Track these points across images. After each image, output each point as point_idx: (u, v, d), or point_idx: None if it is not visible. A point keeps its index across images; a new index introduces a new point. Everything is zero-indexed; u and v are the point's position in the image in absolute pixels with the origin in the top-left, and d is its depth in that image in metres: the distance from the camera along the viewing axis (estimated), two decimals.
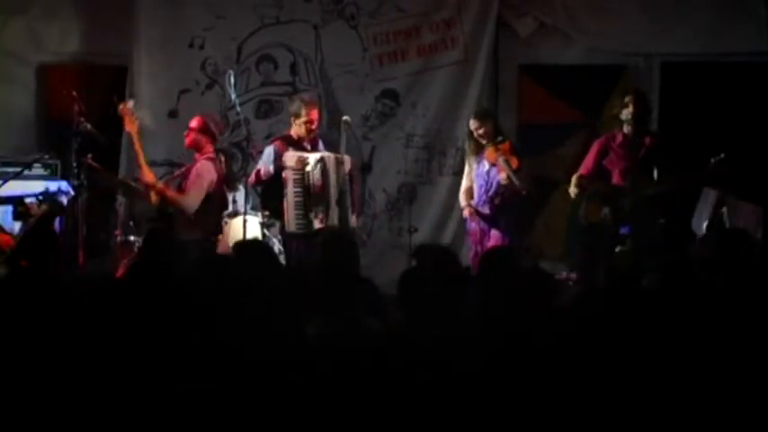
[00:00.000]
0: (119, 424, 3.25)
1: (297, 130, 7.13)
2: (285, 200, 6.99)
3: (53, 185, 7.26)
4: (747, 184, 7.70)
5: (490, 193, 7.24)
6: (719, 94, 8.22)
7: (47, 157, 8.14)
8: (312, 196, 6.97)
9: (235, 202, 7.62)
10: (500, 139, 7.22)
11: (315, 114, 7.15)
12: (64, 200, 7.66)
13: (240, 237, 7.06)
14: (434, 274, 4.10)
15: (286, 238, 7.15)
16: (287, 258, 7.02)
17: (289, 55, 8.77)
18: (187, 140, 7.14)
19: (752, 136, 8.05)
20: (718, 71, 8.29)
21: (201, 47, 8.74)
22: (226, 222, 7.47)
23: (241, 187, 7.64)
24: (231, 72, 7.58)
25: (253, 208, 7.61)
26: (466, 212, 7.42)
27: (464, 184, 7.51)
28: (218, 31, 8.73)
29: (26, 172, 7.81)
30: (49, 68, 8.98)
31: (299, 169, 6.95)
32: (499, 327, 3.63)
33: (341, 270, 4.62)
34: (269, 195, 7.19)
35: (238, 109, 7.65)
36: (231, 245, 6.86)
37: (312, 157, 7.01)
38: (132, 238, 7.45)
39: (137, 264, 4.96)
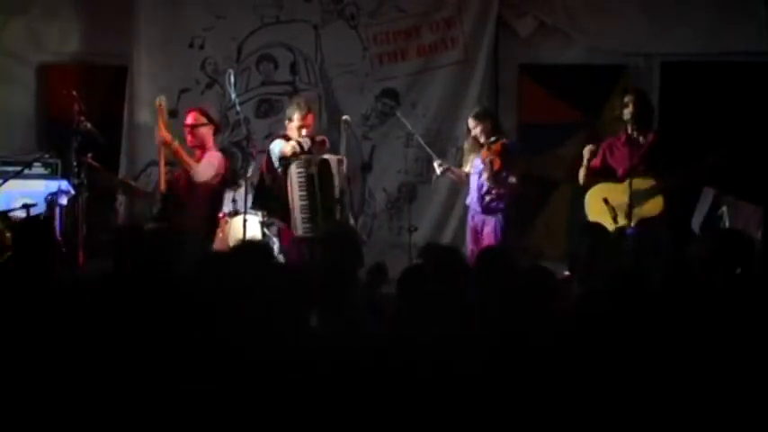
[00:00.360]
0: (118, 424, 3.25)
1: (290, 132, 7.16)
2: (291, 204, 6.98)
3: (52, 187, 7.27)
4: (747, 184, 7.69)
5: (482, 192, 7.30)
6: (719, 94, 8.21)
7: (47, 156, 8.14)
8: (318, 199, 6.96)
9: (234, 201, 7.62)
10: (493, 139, 7.28)
11: (309, 120, 7.18)
12: (64, 200, 7.69)
13: (240, 236, 7.07)
14: (435, 273, 4.11)
15: (285, 240, 7.15)
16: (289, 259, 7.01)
17: (289, 54, 8.77)
18: (189, 139, 7.19)
19: (752, 136, 8.04)
20: (718, 71, 8.28)
21: (201, 47, 8.74)
22: (226, 222, 7.47)
23: (241, 187, 7.64)
24: (231, 72, 7.58)
25: (253, 207, 7.61)
26: (436, 166, 7.59)
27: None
28: (218, 30, 8.72)
29: (26, 171, 7.82)
30: (49, 68, 8.97)
31: (303, 171, 6.95)
32: (495, 326, 3.63)
33: (342, 268, 4.62)
34: (264, 195, 7.19)
35: (238, 108, 7.65)
36: (227, 245, 6.89)
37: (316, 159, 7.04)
38: None
39: (136, 264, 4.95)
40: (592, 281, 4.91)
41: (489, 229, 7.29)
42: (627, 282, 4.16)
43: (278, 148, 7.08)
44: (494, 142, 7.26)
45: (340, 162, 7.10)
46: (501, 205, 7.27)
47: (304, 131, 7.13)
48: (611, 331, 3.65)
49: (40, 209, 7.50)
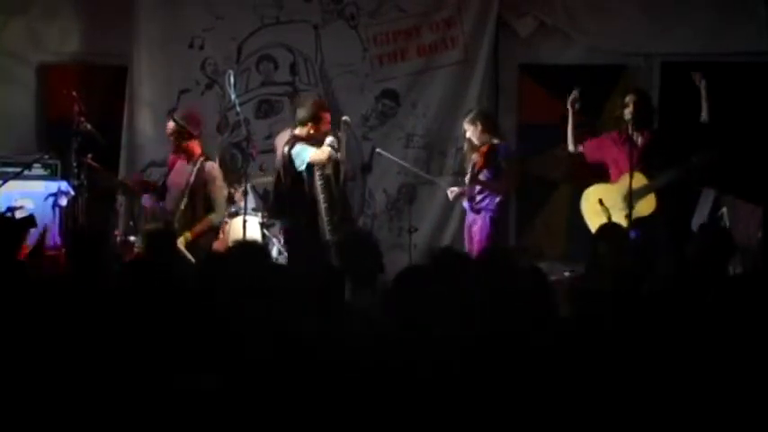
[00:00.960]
0: (116, 424, 3.25)
1: (312, 134, 6.98)
2: (318, 207, 6.93)
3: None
4: (747, 184, 7.69)
5: (473, 193, 7.38)
6: (719, 94, 8.19)
7: (47, 157, 8.14)
8: (336, 200, 6.92)
9: (234, 202, 7.63)
10: (483, 141, 7.32)
11: (329, 117, 7.12)
12: (64, 201, 7.68)
13: (240, 237, 7.07)
14: (435, 274, 4.10)
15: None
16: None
17: (289, 55, 8.77)
18: (177, 147, 7.13)
19: (751, 136, 8.04)
20: (718, 71, 8.25)
21: (201, 47, 8.74)
22: (226, 222, 7.47)
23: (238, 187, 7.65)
24: (231, 72, 7.57)
25: (253, 208, 7.60)
26: (449, 193, 7.66)
27: None
28: (218, 31, 8.73)
29: (26, 172, 7.83)
30: (49, 68, 8.98)
31: (321, 173, 6.87)
32: (493, 327, 3.63)
33: (361, 271, 4.61)
34: (284, 202, 7.10)
35: (238, 109, 7.65)
36: (227, 246, 6.85)
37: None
38: (132, 238, 7.45)
39: (136, 263, 4.96)
40: (612, 283, 4.88)
41: (477, 228, 7.36)
42: (634, 282, 4.16)
43: (306, 154, 6.87)
44: (483, 144, 7.33)
45: (342, 162, 7.07)
46: (490, 205, 7.32)
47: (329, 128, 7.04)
48: (615, 331, 3.65)
49: (36, 212, 7.47)
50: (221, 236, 7.31)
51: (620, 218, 6.86)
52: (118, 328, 3.66)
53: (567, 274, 6.98)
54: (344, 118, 7.35)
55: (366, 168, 7.81)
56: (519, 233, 8.65)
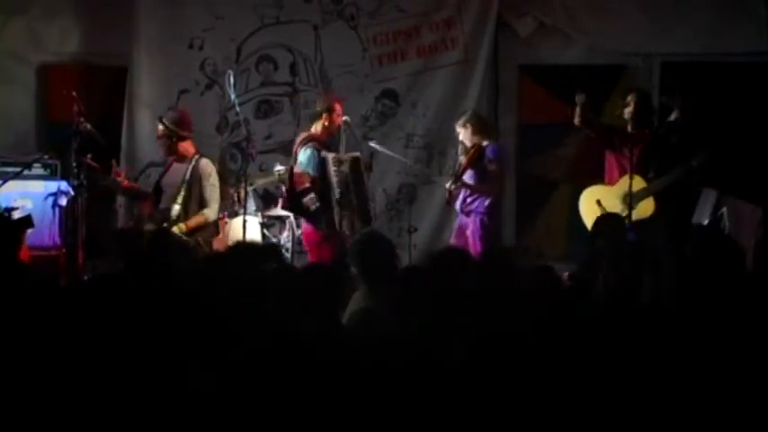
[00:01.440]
0: (116, 425, 3.25)
1: (327, 127, 7.06)
2: (331, 202, 6.91)
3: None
4: (747, 184, 7.69)
5: (465, 195, 7.41)
6: (719, 94, 8.21)
7: (47, 157, 8.13)
8: (353, 196, 6.92)
9: (235, 202, 7.62)
10: (474, 143, 7.32)
11: (340, 107, 7.13)
12: (63, 201, 7.67)
13: (240, 237, 7.07)
14: (436, 274, 4.11)
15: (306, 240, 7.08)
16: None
17: (288, 55, 8.77)
18: (162, 149, 7.11)
19: (752, 136, 8.04)
20: (718, 71, 8.28)
21: (201, 47, 8.75)
22: (226, 222, 7.47)
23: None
24: (231, 72, 7.58)
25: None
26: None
27: None
28: (217, 31, 8.73)
29: (26, 172, 7.82)
30: (49, 68, 8.99)
31: (337, 170, 6.86)
32: (495, 325, 3.63)
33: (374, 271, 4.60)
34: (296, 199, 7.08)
35: (238, 109, 7.65)
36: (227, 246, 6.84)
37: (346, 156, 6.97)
38: None
39: (136, 263, 4.96)
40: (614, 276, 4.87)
41: (469, 231, 7.37)
42: (631, 281, 4.16)
43: (302, 167, 6.94)
44: (471, 147, 7.34)
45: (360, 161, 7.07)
46: (479, 207, 7.33)
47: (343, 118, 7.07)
48: (614, 331, 3.65)
49: (35, 212, 7.47)
50: (221, 236, 7.29)
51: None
52: (117, 328, 3.65)
53: (567, 274, 6.96)
54: (345, 118, 7.36)
55: (366, 168, 7.80)
56: (519, 233, 8.65)
